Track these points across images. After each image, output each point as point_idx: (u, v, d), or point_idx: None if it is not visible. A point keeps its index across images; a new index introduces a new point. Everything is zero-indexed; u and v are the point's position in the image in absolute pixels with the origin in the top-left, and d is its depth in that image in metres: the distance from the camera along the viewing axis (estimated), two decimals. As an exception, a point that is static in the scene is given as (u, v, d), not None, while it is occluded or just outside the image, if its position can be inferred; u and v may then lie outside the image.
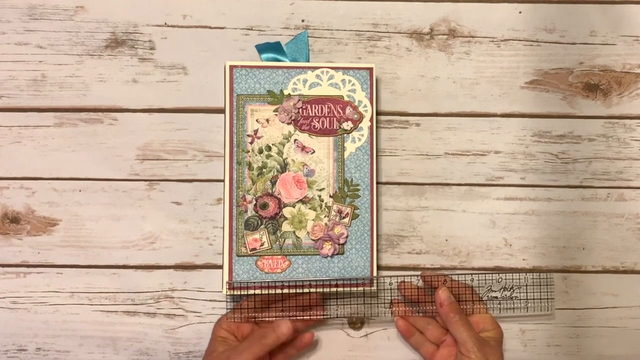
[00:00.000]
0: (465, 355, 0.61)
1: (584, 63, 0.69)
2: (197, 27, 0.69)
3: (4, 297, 0.69)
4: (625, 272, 0.69)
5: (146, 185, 0.69)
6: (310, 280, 0.65)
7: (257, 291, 0.64)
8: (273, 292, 0.64)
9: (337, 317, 0.68)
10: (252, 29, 0.69)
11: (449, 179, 0.69)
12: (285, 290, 0.64)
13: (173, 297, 0.69)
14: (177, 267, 0.69)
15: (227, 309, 0.67)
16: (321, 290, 0.65)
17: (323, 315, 0.66)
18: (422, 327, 0.66)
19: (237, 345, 0.62)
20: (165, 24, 0.69)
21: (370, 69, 0.66)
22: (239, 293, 0.64)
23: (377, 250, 0.67)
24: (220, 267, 0.68)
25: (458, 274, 0.68)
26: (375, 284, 0.65)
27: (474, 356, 0.61)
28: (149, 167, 0.69)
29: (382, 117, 0.69)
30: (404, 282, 0.66)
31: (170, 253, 0.69)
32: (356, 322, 0.69)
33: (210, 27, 0.69)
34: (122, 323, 0.69)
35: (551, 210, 0.69)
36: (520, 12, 0.69)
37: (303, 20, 0.69)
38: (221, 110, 0.68)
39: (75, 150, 0.69)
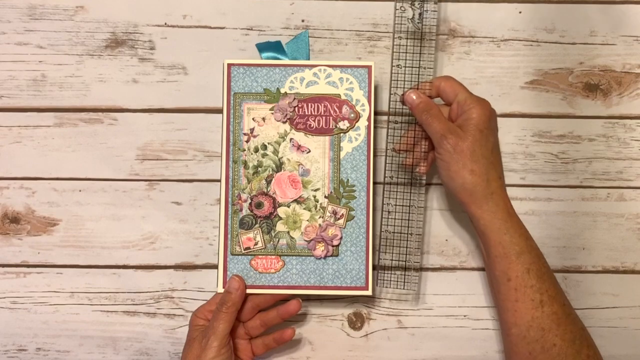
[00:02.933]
0: (438, 150, 0.61)
1: (584, 63, 0.69)
2: (197, 27, 0.69)
3: (4, 297, 0.69)
4: (625, 272, 0.69)
5: (146, 185, 0.69)
6: (303, 286, 0.64)
7: (254, 291, 0.64)
8: (268, 291, 0.64)
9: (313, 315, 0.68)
10: (252, 29, 0.69)
11: (449, 179, 0.69)
12: (281, 291, 0.64)
13: (173, 297, 0.69)
14: (177, 267, 0.69)
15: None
16: (315, 292, 0.64)
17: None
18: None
19: (209, 324, 0.62)
20: (165, 24, 0.69)
21: (369, 67, 0.65)
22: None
23: (373, 253, 0.66)
24: (220, 267, 0.68)
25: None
26: (370, 288, 0.65)
27: (442, 151, 0.61)
28: (149, 167, 0.69)
29: (382, 117, 0.69)
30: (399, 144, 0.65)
31: (170, 253, 0.69)
32: (356, 322, 0.69)
33: (210, 27, 0.69)
34: (122, 323, 0.69)
35: (551, 210, 0.69)
36: (520, 12, 0.69)
37: (303, 20, 0.69)
38: (221, 110, 0.68)
39: (75, 150, 0.69)
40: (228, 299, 0.62)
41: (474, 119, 0.60)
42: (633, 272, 0.69)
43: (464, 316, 0.69)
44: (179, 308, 0.69)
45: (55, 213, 0.69)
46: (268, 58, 0.68)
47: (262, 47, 0.68)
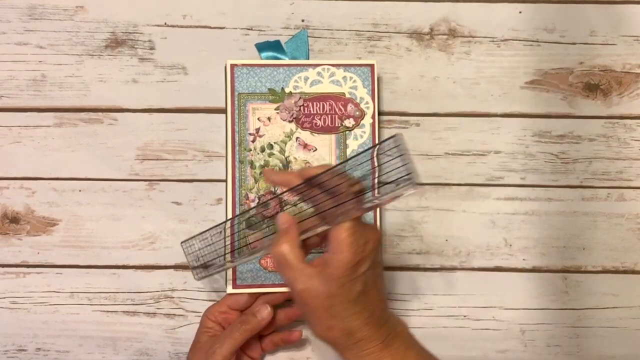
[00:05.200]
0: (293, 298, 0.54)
1: (584, 63, 0.69)
2: (197, 27, 0.69)
3: (4, 297, 0.69)
4: (625, 272, 0.69)
5: (146, 185, 0.69)
6: None
7: (261, 290, 0.64)
8: (278, 290, 0.64)
9: None
10: (252, 29, 0.69)
11: (449, 179, 0.69)
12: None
13: (173, 297, 0.69)
14: (177, 267, 0.69)
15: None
16: None
17: None
18: None
19: (220, 334, 0.62)
20: (165, 24, 0.69)
21: (372, 66, 0.66)
22: (242, 291, 0.64)
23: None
24: (220, 267, 0.68)
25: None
26: None
27: (296, 303, 0.55)
28: (149, 167, 0.69)
29: (383, 117, 0.69)
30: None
31: (170, 253, 0.69)
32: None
33: (210, 27, 0.69)
34: (122, 323, 0.69)
35: (551, 210, 0.69)
36: (520, 12, 0.69)
37: (303, 20, 0.69)
38: (221, 110, 0.68)
39: (75, 150, 0.69)
40: (250, 322, 0.61)
41: (334, 266, 0.51)
42: (633, 272, 0.69)
43: (464, 316, 0.69)
44: (179, 308, 0.69)
45: (55, 213, 0.69)
46: (268, 58, 0.68)
47: (262, 47, 0.68)
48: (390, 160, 0.49)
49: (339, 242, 0.51)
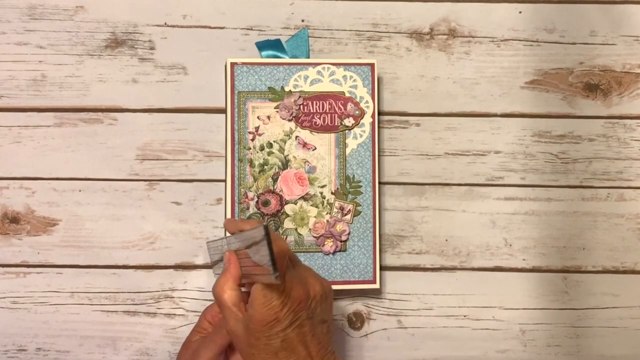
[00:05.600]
0: None
1: (584, 63, 0.69)
2: (197, 27, 0.69)
3: (4, 297, 0.69)
4: (625, 272, 0.69)
5: (146, 185, 0.69)
6: None
7: None
8: None
9: None
10: (252, 29, 0.69)
11: (449, 179, 0.69)
12: None
13: (173, 297, 0.69)
14: (177, 267, 0.69)
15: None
16: None
17: None
18: None
19: (207, 336, 0.61)
20: (165, 24, 0.69)
21: (372, 65, 0.66)
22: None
23: (381, 248, 0.67)
24: (220, 267, 0.68)
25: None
26: (377, 281, 0.66)
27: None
28: (149, 167, 0.69)
29: (383, 117, 0.69)
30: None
31: (170, 253, 0.69)
32: (356, 322, 0.69)
33: (210, 27, 0.69)
34: (122, 323, 0.69)
35: (551, 210, 0.69)
36: (520, 12, 0.69)
37: (303, 20, 0.69)
38: (221, 110, 0.69)
39: (75, 150, 0.69)
40: None
41: (249, 318, 0.52)
42: (633, 272, 0.69)
43: (464, 316, 0.69)
44: (179, 308, 0.69)
45: (55, 213, 0.69)
46: (268, 56, 0.68)
47: (262, 46, 0.68)
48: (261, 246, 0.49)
49: (252, 299, 0.52)
